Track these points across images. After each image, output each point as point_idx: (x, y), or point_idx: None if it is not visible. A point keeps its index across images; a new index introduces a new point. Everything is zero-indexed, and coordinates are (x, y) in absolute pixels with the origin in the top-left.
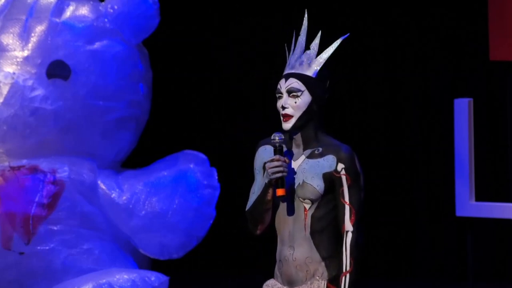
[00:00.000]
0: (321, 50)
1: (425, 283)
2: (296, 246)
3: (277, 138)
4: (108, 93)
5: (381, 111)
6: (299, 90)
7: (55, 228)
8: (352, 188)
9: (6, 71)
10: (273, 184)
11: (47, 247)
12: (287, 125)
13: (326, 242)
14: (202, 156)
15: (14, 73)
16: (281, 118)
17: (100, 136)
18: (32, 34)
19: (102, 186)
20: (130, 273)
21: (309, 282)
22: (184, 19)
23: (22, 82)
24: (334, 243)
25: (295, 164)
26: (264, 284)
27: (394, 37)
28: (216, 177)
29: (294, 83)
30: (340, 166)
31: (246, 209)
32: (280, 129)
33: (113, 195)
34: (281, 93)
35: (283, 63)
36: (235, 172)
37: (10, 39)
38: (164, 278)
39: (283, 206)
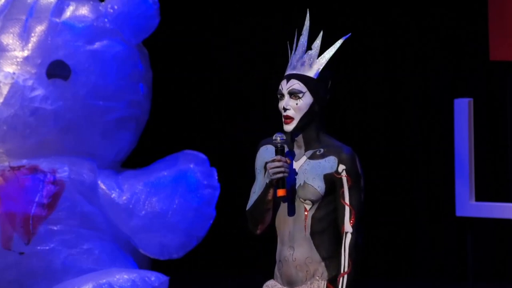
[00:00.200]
0: (322, 50)
1: (425, 283)
2: (296, 247)
3: (278, 138)
4: (108, 93)
5: (381, 111)
6: (300, 92)
7: (55, 228)
8: (352, 190)
9: (6, 71)
10: (274, 184)
11: (47, 247)
12: (289, 127)
13: (326, 243)
14: (202, 156)
15: (14, 73)
16: (283, 119)
17: (100, 136)
18: (32, 34)
19: (102, 186)
20: (130, 273)
21: (309, 282)
22: (184, 19)
23: (22, 82)
24: (334, 243)
25: (296, 165)
26: (264, 285)
27: (394, 37)
28: (216, 177)
29: (296, 84)
30: (341, 167)
31: (247, 208)
32: (280, 129)
33: (113, 195)
34: (283, 94)
35: (283, 63)
36: (235, 172)
37: (10, 39)
38: (164, 278)
39: (283, 206)
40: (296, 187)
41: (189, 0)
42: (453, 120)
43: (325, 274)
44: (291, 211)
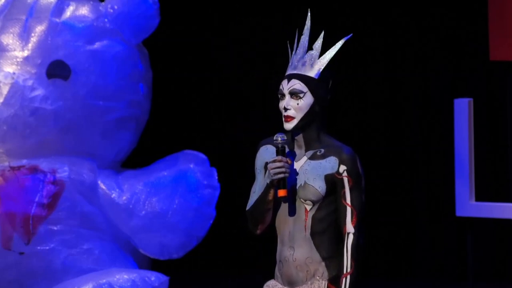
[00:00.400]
0: (323, 50)
1: (425, 283)
2: (296, 247)
3: (279, 139)
4: (108, 93)
5: (381, 111)
6: (301, 92)
7: (55, 228)
8: (353, 190)
9: (6, 71)
10: (275, 184)
11: (47, 247)
12: (289, 125)
13: (326, 243)
14: (202, 156)
15: (14, 73)
16: (283, 118)
17: (100, 136)
18: (32, 34)
19: (102, 186)
20: (130, 273)
21: (309, 282)
22: (184, 19)
23: (22, 82)
24: (334, 243)
25: (297, 165)
26: (265, 285)
27: (394, 37)
28: (216, 177)
29: (297, 84)
30: (342, 168)
31: (247, 208)
32: (280, 129)
33: (113, 195)
34: (283, 94)
35: (283, 63)
36: (235, 172)
37: (10, 39)
38: (164, 278)
39: (284, 207)
40: (297, 188)
41: (189, 0)
42: (453, 120)
43: (326, 274)
44: (292, 212)
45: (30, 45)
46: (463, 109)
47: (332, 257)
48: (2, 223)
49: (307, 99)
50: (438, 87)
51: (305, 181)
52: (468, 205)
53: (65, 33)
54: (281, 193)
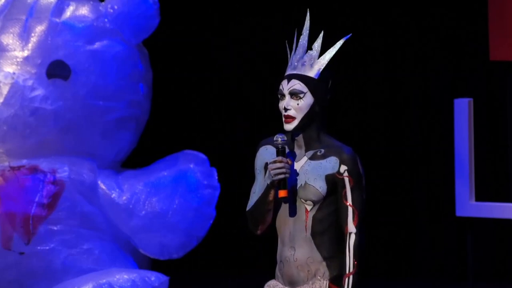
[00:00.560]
0: (323, 50)
1: (425, 283)
2: (297, 247)
3: (279, 139)
4: (108, 93)
5: (381, 111)
6: (301, 92)
7: (55, 228)
8: (354, 190)
9: (6, 71)
10: (275, 185)
11: (47, 247)
12: (289, 126)
13: (327, 243)
14: (202, 156)
15: (14, 73)
16: (283, 119)
17: (100, 136)
18: (32, 34)
19: (102, 186)
20: (130, 273)
21: (310, 282)
22: (184, 19)
23: (22, 82)
24: (335, 243)
25: (297, 165)
26: (266, 285)
27: (394, 37)
28: (216, 177)
29: (297, 84)
30: (343, 168)
31: (247, 209)
32: (280, 129)
33: (113, 195)
34: (283, 94)
35: (283, 63)
36: (235, 172)
37: (10, 39)
38: (164, 278)
39: (284, 207)
40: (297, 188)
41: (189, 0)
42: (453, 120)
43: (327, 273)
44: (292, 212)
45: (30, 45)
46: (463, 109)
47: (333, 257)
48: (2, 223)
49: (307, 99)
50: (438, 87)
51: (305, 181)
52: (468, 205)
53: (65, 33)
54: (282, 193)
